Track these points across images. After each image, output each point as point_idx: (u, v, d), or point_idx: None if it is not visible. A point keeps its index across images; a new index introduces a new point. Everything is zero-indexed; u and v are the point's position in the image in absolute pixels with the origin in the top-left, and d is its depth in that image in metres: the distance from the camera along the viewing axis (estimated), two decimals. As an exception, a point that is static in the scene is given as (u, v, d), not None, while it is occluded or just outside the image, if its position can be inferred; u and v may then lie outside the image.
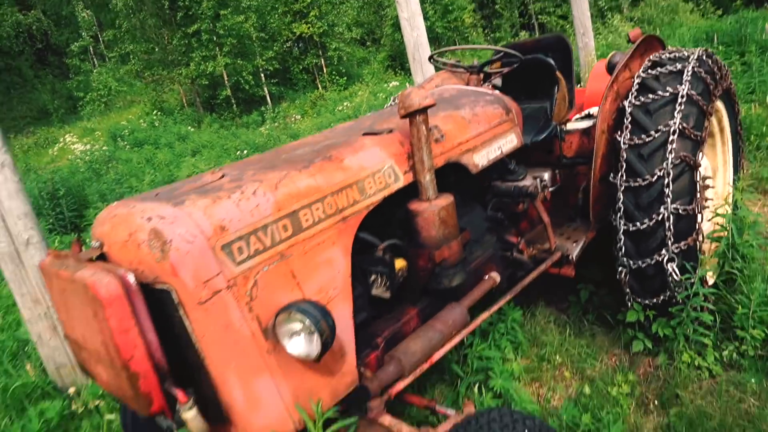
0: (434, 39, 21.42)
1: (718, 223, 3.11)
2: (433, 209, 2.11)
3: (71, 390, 3.43)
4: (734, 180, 3.66)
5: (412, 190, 2.19)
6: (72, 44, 30.55)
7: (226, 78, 18.56)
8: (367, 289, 2.09)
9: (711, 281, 3.05)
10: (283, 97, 21.74)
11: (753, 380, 2.60)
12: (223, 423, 1.74)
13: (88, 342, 1.68)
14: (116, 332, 1.47)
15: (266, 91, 20.00)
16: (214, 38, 17.63)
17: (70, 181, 9.14)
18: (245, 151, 10.52)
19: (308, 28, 21.42)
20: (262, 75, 19.89)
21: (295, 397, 1.75)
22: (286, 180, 1.78)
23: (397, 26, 22.47)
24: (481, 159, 2.53)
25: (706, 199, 3.35)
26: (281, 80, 22.67)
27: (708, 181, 3.37)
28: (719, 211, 3.21)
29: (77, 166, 11.22)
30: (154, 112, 18.65)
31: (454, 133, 2.42)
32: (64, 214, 8.42)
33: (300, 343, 1.62)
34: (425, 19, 20.44)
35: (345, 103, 15.59)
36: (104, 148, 13.67)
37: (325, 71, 22.92)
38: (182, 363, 1.67)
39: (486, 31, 27.37)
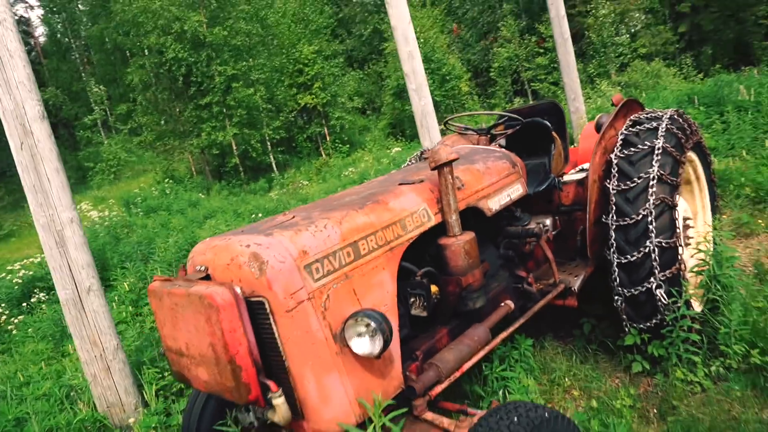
0: (434, 106, 22.49)
1: (701, 258, 3.58)
2: (459, 243, 2.59)
3: (131, 420, 3.78)
4: (713, 220, 4.14)
5: (440, 229, 2.67)
6: (83, 118, 31.87)
7: (234, 147, 19.41)
8: (407, 310, 2.54)
9: (699, 308, 3.49)
10: (288, 164, 22.58)
11: (737, 388, 2.99)
12: (297, 418, 2.15)
13: (192, 348, 2.11)
14: (227, 332, 1.91)
15: (272, 159, 20.82)
16: (224, 110, 18.58)
17: (92, 245, 9.61)
18: (259, 214, 11.07)
19: (312, 98, 22.52)
20: (269, 144, 20.77)
21: (357, 393, 2.16)
22: (347, 217, 2.27)
23: (396, 95, 23.66)
24: (494, 204, 3.04)
25: (689, 238, 3.84)
26: (286, 148, 23.60)
27: (689, 222, 3.88)
28: (701, 247, 3.68)
29: (97, 231, 11.71)
30: (166, 180, 19.37)
31: (471, 183, 2.94)
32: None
33: (364, 343, 2.06)
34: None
35: (350, 169, 16.31)
36: (120, 214, 14.21)
37: (328, 139, 23.88)
38: (267, 364, 2.10)
39: (481, 98, 28.66)
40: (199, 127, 18.77)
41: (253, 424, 2.23)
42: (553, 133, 3.89)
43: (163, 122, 19.96)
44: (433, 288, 2.60)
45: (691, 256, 3.66)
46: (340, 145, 23.85)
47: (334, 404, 2.13)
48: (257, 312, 2.03)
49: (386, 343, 2.02)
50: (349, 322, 2.07)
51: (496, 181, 3.10)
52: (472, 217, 2.98)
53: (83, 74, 38.47)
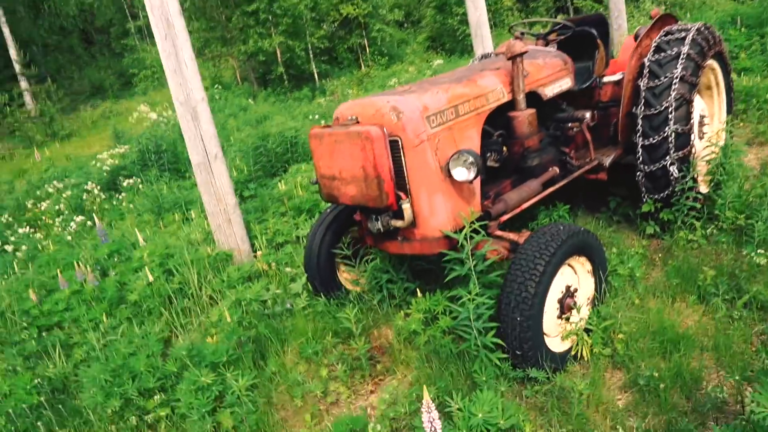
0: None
1: (713, 151, 4.46)
2: (525, 115, 3.53)
3: (259, 253, 4.96)
4: (726, 120, 4.97)
5: (511, 106, 3.61)
6: (116, 24, 32.40)
7: (279, 55, 20.05)
8: (485, 161, 3.52)
9: (705, 190, 4.41)
10: (330, 74, 23.15)
11: (723, 240, 3.96)
12: (414, 224, 3.19)
13: (345, 172, 3.14)
14: (378, 156, 2.93)
15: (315, 68, 21.44)
16: (270, 17, 19.09)
17: (165, 139, 10.74)
18: (316, 116, 12.02)
19: (354, 9, 22.73)
20: (311, 53, 21.32)
21: (454, 211, 3.19)
22: (451, 88, 3.22)
23: (438, 9, 23.71)
24: (549, 91, 3.94)
25: (703, 132, 4.71)
26: (328, 59, 24.09)
27: (705, 119, 4.73)
28: (712, 140, 4.55)
29: (162, 129, 12.81)
30: (214, 86, 20.25)
31: (534, 73, 3.83)
32: (165, 164, 10.05)
33: (463, 172, 3.05)
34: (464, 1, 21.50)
35: (393, 80, 16.96)
36: (173, 115, 15.29)
37: (368, 51, 24.24)
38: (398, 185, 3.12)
39: (522, 14, 28.36)
40: (246, 33, 19.38)
41: (379, 230, 3.28)
42: (598, 40, 4.68)
43: (209, 29, 20.56)
44: (504, 148, 3.57)
45: (704, 148, 4.55)
46: (379, 58, 24.22)
47: (438, 216, 3.16)
48: (392, 147, 3.04)
49: (478, 172, 3.02)
50: (453, 156, 3.06)
51: (551, 74, 3.99)
52: (531, 100, 3.90)
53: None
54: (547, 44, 4.81)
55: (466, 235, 3.02)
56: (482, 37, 7.52)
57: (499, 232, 3.35)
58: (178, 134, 12.45)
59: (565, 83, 4.14)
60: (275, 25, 19.29)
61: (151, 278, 4.42)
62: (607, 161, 4.35)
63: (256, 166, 8.30)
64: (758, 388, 2.02)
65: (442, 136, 3.11)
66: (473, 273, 3.08)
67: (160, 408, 3.32)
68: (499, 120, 3.66)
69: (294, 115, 13.12)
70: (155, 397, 3.39)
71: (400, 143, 3.02)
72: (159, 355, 3.66)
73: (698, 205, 4.15)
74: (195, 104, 4.92)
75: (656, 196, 4.26)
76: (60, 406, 3.60)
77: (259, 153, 8.48)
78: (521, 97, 3.55)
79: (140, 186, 8.84)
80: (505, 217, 3.47)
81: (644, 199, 4.34)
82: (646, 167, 4.18)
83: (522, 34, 5.01)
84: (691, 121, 4.08)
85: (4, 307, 4.90)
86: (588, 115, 4.54)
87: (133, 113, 18.19)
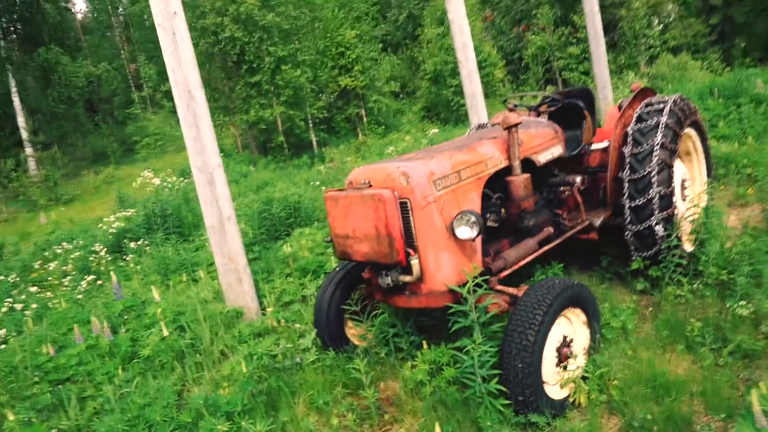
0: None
1: (695, 212, 4.80)
2: (521, 179, 3.87)
3: (269, 310, 5.16)
4: (707, 182, 5.34)
5: (507, 171, 3.95)
6: (120, 94, 33.62)
7: (280, 124, 20.80)
8: (485, 221, 3.82)
9: (690, 248, 4.71)
10: (328, 143, 23.92)
11: (708, 294, 4.22)
12: (422, 279, 3.46)
13: (358, 231, 3.43)
14: (389, 217, 3.22)
15: (314, 137, 22.18)
16: (272, 88, 19.95)
17: (170, 203, 11.10)
18: (317, 183, 12.46)
19: (352, 81, 23.77)
20: (311, 122, 22.12)
21: (458, 266, 3.46)
22: (454, 155, 3.57)
23: (433, 81, 24.81)
24: (542, 158, 4.31)
25: (685, 195, 5.06)
26: (326, 128, 24.95)
27: (687, 183, 5.10)
28: (695, 201, 4.90)
29: (166, 194, 13.19)
30: (216, 153, 20.86)
31: (527, 141, 4.21)
32: (170, 227, 10.35)
33: (466, 231, 3.34)
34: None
35: (391, 148, 17.60)
36: (180, 182, 15.72)
37: (365, 120, 25.15)
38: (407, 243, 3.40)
39: (513, 86, 29.64)
40: (249, 103, 20.19)
41: (389, 285, 3.54)
42: (585, 111, 5.10)
43: (213, 99, 21.41)
44: (502, 210, 3.89)
45: (687, 209, 4.89)
46: (375, 127, 25.12)
47: (443, 272, 3.43)
48: (402, 208, 3.34)
49: (480, 231, 3.31)
50: (457, 217, 3.36)
51: (543, 142, 4.37)
52: (525, 166, 4.25)
53: (122, 51, 40.20)
54: (538, 115, 5.23)
55: (469, 289, 3.29)
56: (477, 108, 8.03)
57: (499, 287, 3.61)
58: (183, 199, 12.84)
59: (557, 150, 4.52)
60: (276, 95, 20.13)
61: (166, 332, 4.61)
62: (598, 222, 4.67)
63: (260, 229, 8.59)
64: (741, 422, 2.24)
65: (447, 198, 3.43)
66: (477, 324, 3.32)
67: (177, 458, 3.45)
68: (497, 184, 3.99)
69: (295, 182, 13.57)
70: (171, 447, 3.53)
71: (409, 205, 3.32)
72: (174, 406, 3.81)
73: (684, 262, 4.44)
74: (212, 170, 5.26)
75: (644, 254, 4.55)
76: (77, 457, 3.72)
77: (263, 217, 8.79)
78: (517, 163, 3.90)
79: (146, 248, 9.08)
80: (505, 273, 3.74)
81: (633, 257, 4.63)
82: (633, 227, 4.50)
83: (515, 105, 5.46)
84: (672, 184, 4.43)
85: (17, 362, 5.03)
86: (579, 179, 4.91)
87: (137, 178, 18.59)
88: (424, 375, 3.60)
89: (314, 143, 22.61)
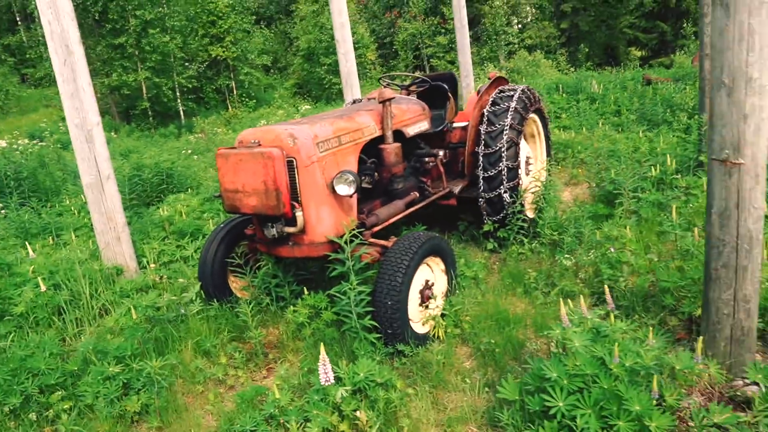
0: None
1: (536, 184, 5.66)
2: (392, 147, 4.40)
3: (152, 266, 5.25)
4: (547, 161, 6.28)
5: (380, 140, 4.46)
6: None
7: (144, 91, 19.79)
8: (360, 183, 4.30)
9: (532, 215, 5.57)
10: (194, 113, 23.16)
11: (543, 251, 5.08)
12: (304, 231, 3.86)
13: (247, 186, 3.74)
14: (277, 173, 3.58)
15: (181, 107, 21.38)
16: (137, 52, 18.91)
17: (25, 167, 10.39)
18: (189, 151, 12.23)
19: (223, 51, 23.16)
20: (178, 91, 21.29)
21: (337, 220, 3.91)
22: (335, 122, 3.99)
23: (305, 58, 24.88)
24: (411, 130, 4.87)
25: (529, 170, 5.94)
26: (194, 98, 24.10)
27: (531, 159, 5.98)
28: (536, 176, 5.79)
29: (17, 157, 12.20)
30: (71, 117, 19.39)
31: (399, 115, 4.74)
32: (25, 191, 9.74)
33: (345, 188, 3.79)
34: (334, 53, 22.79)
35: (262, 122, 17.57)
36: (32, 145, 14.53)
37: (235, 93, 24.65)
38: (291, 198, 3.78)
39: (383, 69, 30.57)
40: (110, 66, 18.98)
41: (274, 236, 3.90)
42: (449, 93, 5.77)
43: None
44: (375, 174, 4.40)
45: (530, 183, 5.75)
46: (246, 100, 24.75)
47: (324, 224, 3.86)
48: (288, 166, 3.71)
49: (357, 189, 3.78)
50: (336, 176, 3.80)
51: (413, 117, 4.94)
52: (396, 137, 4.79)
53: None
54: (409, 94, 5.81)
55: (346, 240, 3.76)
56: (352, 86, 8.48)
57: (372, 240, 4.12)
58: (38, 163, 11.98)
59: (423, 125, 5.12)
60: (142, 60, 19.13)
61: (43, 288, 4.57)
62: (456, 189, 5.36)
63: (131, 194, 8.42)
64: (553, 325, 2.93)
65: (328, 159, 3.85)
66: (352, 271, 3.81)
67: (63, 402, 3.56)
68: (371, 151, 4.49)
69: (165, 150, 13.18)
70: (56, 393, 3.62)
71: (295, 163, 3.70)
72: (57, 356, 3.89)
73: (525, 226, 5.27)
74: (90, 127, 5.21)
75: (494, 218, 5.32)
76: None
77: (134, 183, 8.62)
78: (389, 133, 4.42)
79: (1, 212, 8.49)
80: (377, 228, 4.25)
81: (485, 221, 5.39)
82: (486, 195, 5.24)
83: (387, 83, 6.00)
84: (518, 159, 5.22)
85: None
86: (442, 152, 5.58)
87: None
88: (305, 318, 4.02)
89: (181, 113, 21.82)
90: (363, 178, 4.33)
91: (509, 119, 5.20)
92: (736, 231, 2.79)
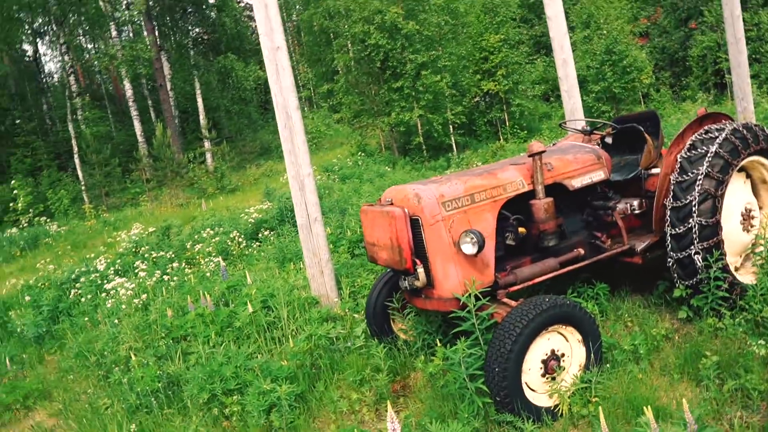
0: (612, 98, 22.63)
1: (761, 243, 4.69)
2: (542, 203, 4.22)
3: (335, 300, 5.99)
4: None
5: (531, 194, 4.31)
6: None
7: (419, 127, 21.72)
8: (503, 239, 4.24)
9: (751, 281, 4.59)
10: (467, 145, 24.39)
11: (741, 329, 4.17)
12: (431, 286, 3.99)
13: (380, 240, 4.06)
14: (398, 231, 3.82)
15: (452, 140, 22.78)
16: (413, 93, 20.91)
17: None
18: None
19: (495, 85, 23.94)
20: (451, 126, 22.75)
21: (464, 277, 3.94)
22: (469, 180, 4.05)
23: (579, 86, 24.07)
24: (577, 182, 4.56)
25: (752, 225, 4.91)
26: (467, 131, 25.42)
27: (753, 212, 4.94)
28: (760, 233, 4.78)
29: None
30: (359, 153, 22.42)
31: (560, 167, 4.51)
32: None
33: (469, 247, 3.82)
34: (604, 80, 21.67)
35: (520, 154, 17.65)
36: (321, 179, 17.29)
37: (507, 124, 25.16)
38: (417, 254, 3.97)
39: (673, 90, 27.60)
40: (391, 106, 21.38)
41: (406, 288, 4.13)
42: (645, 134, 5.16)
43: (360, 102, 22.97)
44: (522, 229, 4.27)
45: (753, 237, 4.79)
46: (518, 131, 25.03)
47: (450, 281, 3.94)
48: (414, 225, 3.91)
49: (480, 248, 3.76)
50: (461, 234, 3.85)
51: (580, 167, 4.61)
52: (562, 190, 4.53)
53: (293, 54, 43.99)
54: (602, 139, 5.39)
55: (467, 297, 3.77)
56: (575, 124, 8.10)
57: (504, 300, 4.02)
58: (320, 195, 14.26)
59: (597, 175, 4.72)
60: (417, 100, 21.07)
61: (250, 310, 5.61)
62: (640, 246, 4.77)
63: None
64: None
65: (457, 217, 3.93)
66: (477, 329, 3.79)
67: (235, 405, 4.38)
68: (522, 206, 4.36)
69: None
70: (234, 396, 4.47)
71: (420, 221, 3.89)
72: (242, 367, 4.76)
73: (724, 294, 4.39)
74: (303, 178, 6.19)
75: (687, 283, 4.57)
76: (171, 393, 4.87)
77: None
78: (540, 188, 4.24)
79: (273, 238, 10.44)
80: (515, 288, 4.12)
81: (677, 285, 4.66)
82: (674, 254, 4.55)
83: (572, 129, 5.67)
84: (717, 214, 4.40)
85: (152, 320, 6.40)
86: (636, 203, 5.03)
87: (284, 174, 20.73)
88: (436, 369, 4.13)
89: (453, 146, 23.22)
90: (506, 235, 4.25)
91: (705, 166, 4.43)
92: None
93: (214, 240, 10.57)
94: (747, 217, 4.90)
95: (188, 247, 11.10)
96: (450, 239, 3.90)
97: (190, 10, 28.46)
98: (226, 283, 6.69)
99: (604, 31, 23.28)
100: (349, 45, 23.57)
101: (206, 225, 12.15)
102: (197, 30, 30.00)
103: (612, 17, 24.20)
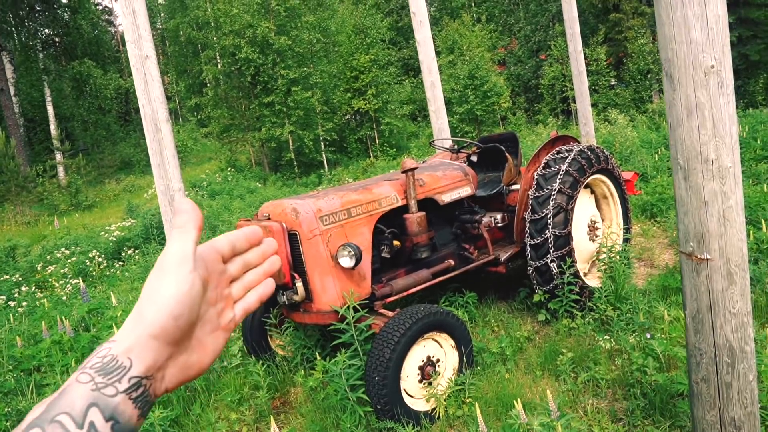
0: (474, 119, 24.17)
1: (604, 251, 5.25)
2: (414, 217, 4.41)
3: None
4: (623, 226, 5.77)
5: (405, 209, 4.50)
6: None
7: (291, 143, 21.61)
8: (379, 252, 4.37)
9: (597, 284, 5.14)
10: (338, 162, 24.68)
11: (591, 327, 4.66)
12: (308, 300, 4.01)
13: (259, 256, 4.01)
14: (277, 246, 3.79)
15: (324, 157, 22.93)
16: (284, 109, 20.81)
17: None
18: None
19: (365, 103, 24.53)
20: (322, 143, 22.90)
21: (342, 290, 4.00)
22: (346, 195, 4.14)
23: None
24: (446, 197, 4.83)
25: (596, 236, 5.51)
26: (337, 148, 25.73)
27: (597, 224, 5.55)
28: (606, 242, 5.36)
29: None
30: (228, 168, 21.78)
31: (430, 183, 4.75)
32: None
33: (346, 260, 3.89)
34: (467, 102, 23.01)
35: (392, 171, 18.20)
36: (188, 193, 16.56)
37: (377, 142, 25.84)
38: (296, 269, 3.97)
39: (527, 113, 30.07)
40: (261, 122, 21.08)
41: (284, 302, 4.10)
42: (507, 155, 5.61)
43: (229, 116, 22.40)
44: (397, 242, 4.43)
45: (597, 246, 5.35)
46: (387, 149, 25.82)
47: (328, 294, 3.98)
48: (292, 239, 3.91)
49: (357, 262, 3.85)
50: (339, 248, 3.92)
51: (449, 184, 4.90)
52: (432, 204, 4.78)
53: (159, 65, 41.85)
54: (468, 157, 5.77)
55: (346, 310, 3.83)
56: (442, 143, 8.57)
57: (382, 311, 4.13)
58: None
59: (465, 191, 5.04)
60: (288, 116, 20.98)
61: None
62: (504, 256, 5.15)
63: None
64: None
65: (334, 231, 3.99)
66: (356, 340, 3.86)
67: None
68: (395, 219, 4.53)
69: (291, 200, 14.27)
70: None
71: (298, 236, 3.89)
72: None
73: (576, 297, 4.88)
74: (173, 193, 5.91)
75: (544, 288, 5.01)
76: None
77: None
78: (413, 203, 4.44)
79: (137, 257, 9.81)
80: (391, 299, 4.26)
81: (536, 291, 5.10)
82: (533, 263, 4.97)
83: (439, 146, 6.01)
84: (569, 226, 4.89)
85: (-5, 353, 5.71)
86: (499, 216, 5.42)
87: (149, 190, 19.58)
88: (316, 382, 4.13)
89: (325, 163, 23.39)
90: (382, 248, 4.39)
91: (558, 183, 4.92)
92: (712, 339, 2.41)
93: (70, 260, 9.70)
94: (592, 228, 5.49)
95: (38, 268, 10.09)
96: (328, 253, 3.95)
97: (39, 8, 26.02)
98: (87, 306, 6.17)
99: (467, 57, 24.85)
100: (218, 57, 22.97)
101: (60, 244, 11.13)
102: (47, 31, 27.46)
103: (474, 44, 25.89)
